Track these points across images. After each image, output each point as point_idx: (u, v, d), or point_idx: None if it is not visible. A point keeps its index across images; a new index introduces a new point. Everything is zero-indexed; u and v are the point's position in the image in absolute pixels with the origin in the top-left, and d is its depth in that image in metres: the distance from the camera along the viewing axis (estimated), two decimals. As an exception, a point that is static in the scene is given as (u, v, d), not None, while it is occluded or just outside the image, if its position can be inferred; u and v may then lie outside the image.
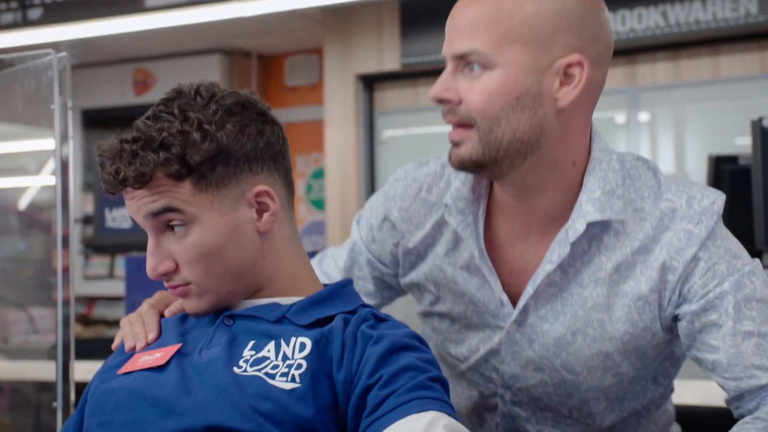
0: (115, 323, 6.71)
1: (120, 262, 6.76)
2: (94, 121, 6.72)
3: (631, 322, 1.30)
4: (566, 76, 1.23)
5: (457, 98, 1.26)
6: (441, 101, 1.28)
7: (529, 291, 1.33)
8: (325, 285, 1.31)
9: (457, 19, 1.26)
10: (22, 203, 4.35)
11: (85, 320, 7.01)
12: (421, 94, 5.11)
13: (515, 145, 1.24)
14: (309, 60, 6.40)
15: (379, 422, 1.07)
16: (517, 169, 1.27)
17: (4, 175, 5.50)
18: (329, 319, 1.23)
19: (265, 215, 1.23)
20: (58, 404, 1.74)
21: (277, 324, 1.22)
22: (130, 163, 1.17)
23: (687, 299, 1.26)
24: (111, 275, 7.06)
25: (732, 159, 2.91)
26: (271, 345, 1.18)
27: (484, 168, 1.27)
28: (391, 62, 5.08)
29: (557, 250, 1.29)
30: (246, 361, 1.16)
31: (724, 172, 2.84)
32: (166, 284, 1.25)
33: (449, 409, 1.09)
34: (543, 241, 1.33)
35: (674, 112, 4.70)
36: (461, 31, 1.24)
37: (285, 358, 1.16)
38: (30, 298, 5.29)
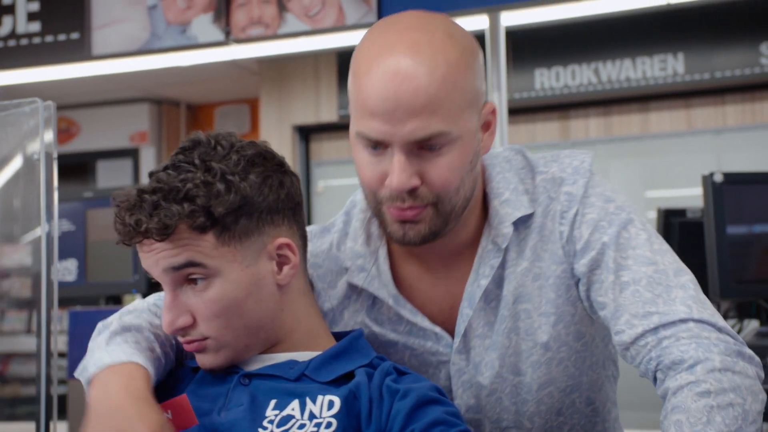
0: (30, 381, 6.42)
1: (58, 317, 6.45)
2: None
3: (552, 303, 1.29)
4: (484, 125, 1.24)
5: (420, 183, 1.18)
6: (407, 191, 1.18)
7: (467, 313, 1.30)
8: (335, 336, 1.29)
9: (397, 96, 1.13)
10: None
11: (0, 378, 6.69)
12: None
13: (463, 204, 1.23)
14: (240, 109, 6.36)
15: None
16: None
17: None
18: (350, 375, 1.21)
19: (285, 268, 1.21)
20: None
21: (298, 382, 1.19)
22: (152, 215, 1.12)
23: (577, 257, 1.28)
24: (28, 330, 6.77)
25: (680, 212, 3.02)
26: (295, 403, 1.15)
27: (439, 236, 1.24)
28: (328, 113, 5.11)
29: (488, 262, 1.28)
30: (271, 422, 1.13)
31: (674, 224, 2.94)
32: (181, 339, 1.20)
33: None
34: (452, 267, 1.32)
35: (605, 167, 4.86)
36: (413, 113, 1.13)
37: (312, 416, 1.13)
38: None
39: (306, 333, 1.25)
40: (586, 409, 1.41)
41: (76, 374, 1.23)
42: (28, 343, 6.61)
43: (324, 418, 1.13)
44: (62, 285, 4.18)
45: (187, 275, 1.16)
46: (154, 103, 6.43)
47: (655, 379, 1.17)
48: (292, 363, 1.21)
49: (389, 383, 1.17)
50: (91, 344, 1.24)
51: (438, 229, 1.22)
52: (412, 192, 1.18)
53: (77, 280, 3.57)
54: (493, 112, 1.24)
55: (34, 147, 1.74)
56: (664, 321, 1.17)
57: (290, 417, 1.13)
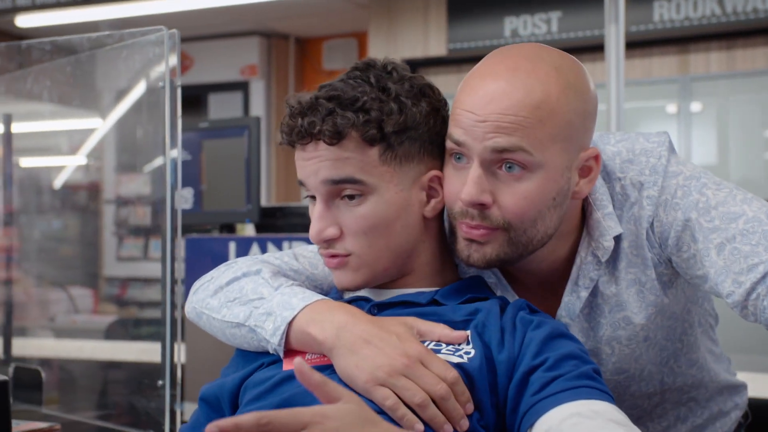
0: (148, 305, 6.72)
1: (154, 244, 6.73)
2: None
3: (649, 302, 1.29)
4: (583, 169, 1.20)
5: (491, 202, 1.16)
6: (475, 205, 1.16)
7: (567, 323, 1.30)
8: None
9: (486, 110, 1.14)
10: (57, 182, 4.36)
11: (119, 301, 7.02)
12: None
13: (544, 240, 1.21)
14: (348, 43, 6.36)
15: (547, 401, 1.04)
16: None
17: (38, 155, 5.51)
18: (481, 300, 1.21)
19: (433, 201, 1.22)
20: (166, 383, 1.74)
21: (429, 306, 1.20)
22: (326, 119, 1.15)
23: (663, 245, 1.25)
24: (145, 256, 7.06)
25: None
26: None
27: (508, 263, 1.22)
28: (437, 47, 5.05)
29: (588, 275, 1.27)
30: None
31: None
32: (323, 252, 1.21)
33: (615, 403, 1.07)
34: (547, 284, 1.31)
35: (727, 103, 4.66)
36: (499, 126, 1.13)
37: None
38: (69, 277, 5.30)
39: (438, 270, 1.26)
40: (685, 364, 1.41)
41: (232, 319, 1.20)
42: (145, 269, 6.91)
43: (462, 346, 1.13)
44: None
45: (343, 190, 1.17)
46: (264, 37, 6.48)
47: None
48: (421, 293, 1.23)
49: (523, 315, 1.17)
50: (231, 294, 1.23)
51: (507, 258, 1.19)
52: (483, 211, 1.16)
53: (193, 209, 3.68)
54: (597, 158, 1.20)
55: (158, 75, 1.77)
56: None
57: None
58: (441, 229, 1.27)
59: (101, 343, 4.02)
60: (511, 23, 4.90)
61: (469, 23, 4.93)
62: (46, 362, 2.64)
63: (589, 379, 1.08)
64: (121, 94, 2.87)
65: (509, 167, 1.14)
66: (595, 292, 1.28)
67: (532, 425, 1.04)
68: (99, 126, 7.17)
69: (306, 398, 1.05)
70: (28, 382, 2.19)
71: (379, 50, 5.34)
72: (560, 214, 1.19)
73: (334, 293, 1.29)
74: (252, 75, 6.52)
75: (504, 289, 1.32)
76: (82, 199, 7.54)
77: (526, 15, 4.89)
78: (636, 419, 1.43)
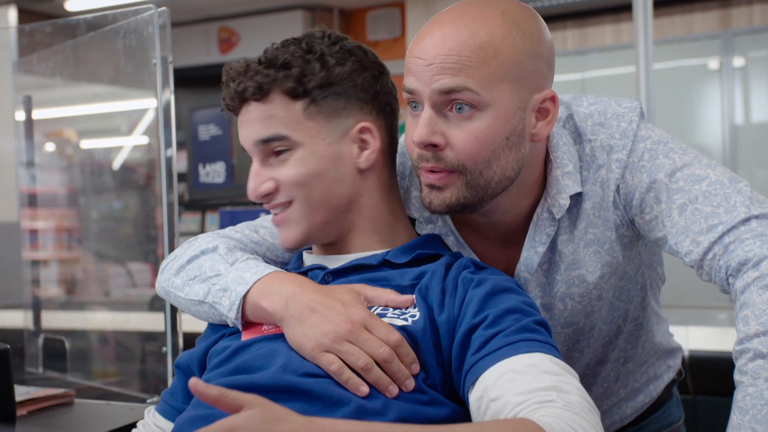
0: (205, 278, 6.82)
1: (211, 219, 6.90)
2: (182, 80, 6.83)
3: (604, 262, 1.30)
4: (540, 111, 1.21)
5: (444, 142, 1.18)
6: (427, 147, 1.19)
7: (525, 276, 1.32)
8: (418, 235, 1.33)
9: (432, 53, 1.16)
10: (116, 163, 4.48)
11: (177, 275, 7.19)
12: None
13: (503, 183, 1.22)
14: (390, 13, 6.36)
15: (486, 359, 1.07)
16: (494, 200, 1.25)
17: (97, 136, 5.66)
18: (432, 258, 1.25)
19: (366, 152, 1.25)
20: (168, 350, 1.81)
21: (381, 269, 1.24)
22: (251, 78, 1.22)
23: (628, 206, 1.27)
24: (202, 231, 7.23)
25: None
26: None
27: (469, 209, 1.24)
28: (474, 13, 5.01)
29: (544, 231, 1.29)
30: None
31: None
32: (267, 206, 1.27)
33: (555, 351, 1.09)
34: (509, 230, 1.33)
35: (771, 58, 4.53)
36: (444, 67, 1.15)
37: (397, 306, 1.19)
38: (128, 254, 5.47)
39: (387, 226, 1.29)
40: (631, 325, 1.43)
41: (194, 296, 1.25)
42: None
43: (408, 309, 1.17)
44: (212, 186, 4.42)
45: (273, 148, 1.23)
46: (308, 10, 6.53)
47: (730, 287, 1.16)
48: (373, 255, 1.26)
49: (465, 274, 1.19)
50: (191, 272, 1.28)
51: (467, 202, 1.21)
52: (437, 153, 1.19)
53: (225, 182, 3.78)
54: (554, 99, 1.21)
55: (152, 53, 1.83)
56: (728, 228, 1.15)
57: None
58: (386, 185, 1.30)
59: (146, 315, 4.15)
60: (547, -16, 4.84)
61: (506, -13, 4.87)
62: (83, 334, 2.76)
63: (528, 331, 1.10)
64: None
65: (459, 108, 1.17)
66: (553, 249, 1.31)
67: (473, 384, 1.07)
68: (153, 105, 7.28)
69: (257, 364, 1.13)
70: (55, 352, 2.30)
71: (417, 19, 5.33)
72: (518, 156, 1.21)
73: (294, 262, 1.34)
74: (297, 49, 6.56)
75: (461, 248, 1.35)
76: (141, 178, 7.73)
77: (562, -24, 4.83)
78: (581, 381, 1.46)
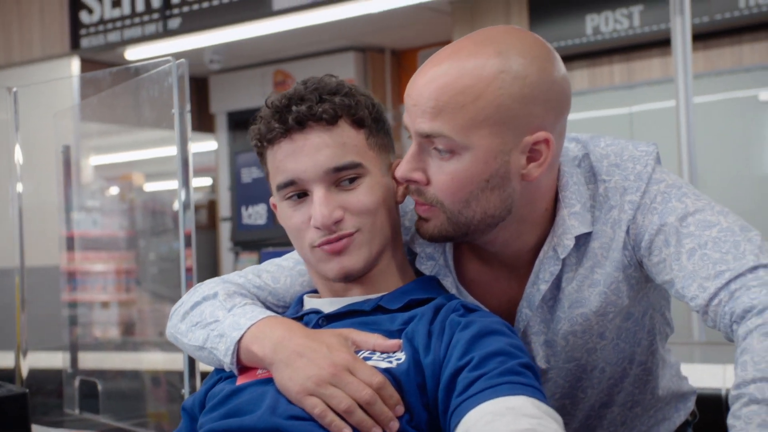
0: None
1: (264, 256, 6.96)
2: (239, 122, 7.01)
3: (609, 302, 1.30)
4: (532, 152, 1.21)
5: (424, 179, 1.22)
6: (409, 181, 1.24)
7: (527, 313, 1.32)
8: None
9: (417, 94, 1.18)
10: (175, 205, 4.58)
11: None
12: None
13: (486, 221, 1.23)
14: (441, 52, 6.39)
15: (469, 402, 1.07)
16: (489, 234, 1.26)
17: (158, 179, 5.82)
18: (424, 302, 1.26)
19: (401, 188, 1.32)
20: (186, 391, 1.85)
21: (373, 314, 1.26)
22: (319, 104, 1.22)
23: (637, 246, 1.26)
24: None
25: None
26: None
27: (455, 240, 1.27)
28: (520, 50, 5.01)
29: (548, 269, 1.29)
30: None
31: None
32: (328, 237, 1.24)
33: (540, 395, 1.09)
34: (513, 266, 1.33)
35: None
36: (424, 111, 1.17)
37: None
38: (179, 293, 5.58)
39: (404, 260, 1.34)
40: (638, 369, 1.42)
41: (195, 342, 1.28)
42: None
43: (395, 352, 1.19)
44: (254, 228, 4.49)
45: (344, 176, 1.25)
46: (359, 51, 6.63)
47: (733, 333, 1.14)
48: (367, 300, 1.29)
49: (454, 317, 1.20)
50: (194, 318, 1.30)
51: (449, 235, 1.24)
52: (419, 187, 1.23)
53: (266, 224, 3.84)
54: (547, 142, 1.20)
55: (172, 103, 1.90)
56: (735, 274, 1.14)
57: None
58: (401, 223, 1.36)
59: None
60: (593, 20, 4.82)
61: (551, 24, 4.89)
62: (123, 374, 2.82)
63: (513, 374, 1.10)
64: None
65: (439, 151, 1.20)
66: (558, 286, 1.31)
67: (456, 426, 1.07)
68: (215, 147, 7.39)
69: (248, 407, 1.16)
70: (89, 393, 2.36)
71: (465, 57, 5.36)
72: (503, 196, 1.22)
73: (293, 307, 1.37)
74: (349, 89, 6.66)
75: (458, 290, 1.36)
76: (202, 218, 7.92)
77: (607, 11, 4.81)
78: (584, 424, 1.44)
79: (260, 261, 3.33)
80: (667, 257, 1.21)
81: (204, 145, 7.78)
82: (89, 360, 2.63)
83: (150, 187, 6.01)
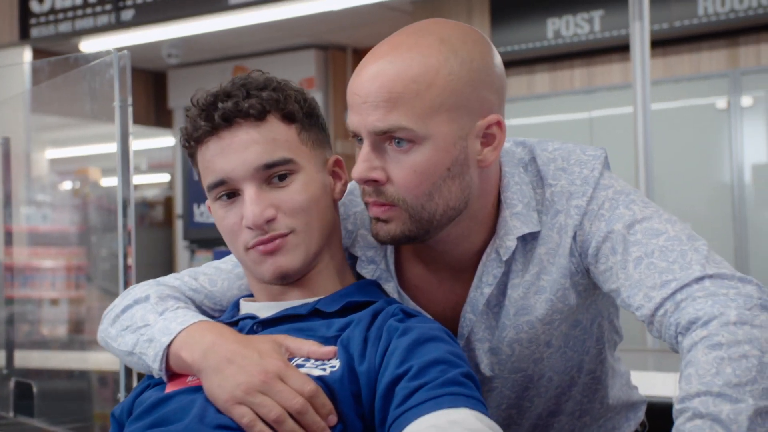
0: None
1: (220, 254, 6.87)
2: (197, 118, 6.92)
3: (555, 309, 1.27)
4: (486, 137, 1.19)
5: (384, 177, 1.17)
6: (368, 182, 1.18)
7: (471, 318, 1.29)
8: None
9: (365, 91, 1.14)
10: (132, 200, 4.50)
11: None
12: (512, 84, 5.02)
13: (448, 213, 1.20)
14: (403, 52, 6.35)
15: (409, 413, 1.03)
16: (444, 230, 1.22)
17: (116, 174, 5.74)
18: (363, 306, 1.22)
19: (339, 184, 1.27)
20: (121, 395, 1.79)
21: (310, 318, 1.21)
22: (246, 99, 1.17)
23: (583, 254, 1.24)
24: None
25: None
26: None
27: (416, 240, 1.22)
28: (481, 52, 5.01)
29: (491, 272, 1.26)
30: None
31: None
32: (261, 238, 1.19)
33: (482, 407, 1.05)
34: (457, 271, 1.29)
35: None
36: (377, 105, 1.14)
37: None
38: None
39: (343, 262, 1.29)
40: (586, 378, 1.39)
41: (125, 348, 1.22)
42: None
43: (330, 360, 1.14)
44: (206, 226, 4.43)
45: (275, 173, 1.19)
46: (321, 49, 6.58)
47: (678, 344, 1.12)
48: (304, 304, 1.24)
49: (392, 323, 1.16)
50: (124, 322, 1.25)
51: (412, 234, 1.20)
52: (378, 188, 1.18)
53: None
54: (499, 125, 1.18)
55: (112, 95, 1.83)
56: (681, 285, 1.11)
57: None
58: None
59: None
60: (554, 24, 4.82)
61: (512, 27, 4.87)
62: (67, 374, 2.74)
63: (455, 384, 1.06)
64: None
65: (398, 142, 1.16)
66: (504, 292, 1.28)
67: None
68: (172, 144, 7.30)
69: (175, 416, 1.11)
70: (24, 395, 2.28)
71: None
72: (462, 185, 1.19)
73: (229, 311, 1.31)
74: (309, 87, 6.62)
75: (399, 295, 1.32)
76: (158, 214, 7.81)
77: (568, 15, 4.81)
78: None
79: (213, 259, 3.26)
80: (613, 265, 1.19)
81: (162, 141, 7.68)
82: (33, 359, 2.55)
83: (108, 182, 5.92)
